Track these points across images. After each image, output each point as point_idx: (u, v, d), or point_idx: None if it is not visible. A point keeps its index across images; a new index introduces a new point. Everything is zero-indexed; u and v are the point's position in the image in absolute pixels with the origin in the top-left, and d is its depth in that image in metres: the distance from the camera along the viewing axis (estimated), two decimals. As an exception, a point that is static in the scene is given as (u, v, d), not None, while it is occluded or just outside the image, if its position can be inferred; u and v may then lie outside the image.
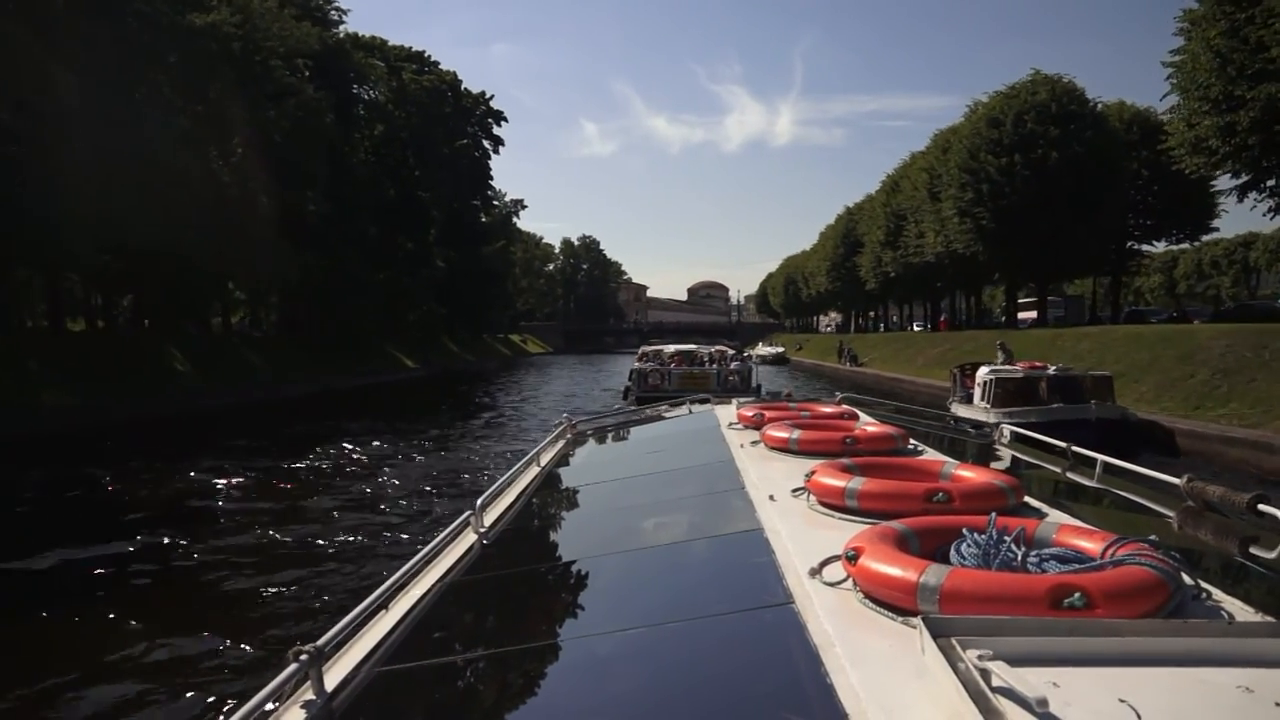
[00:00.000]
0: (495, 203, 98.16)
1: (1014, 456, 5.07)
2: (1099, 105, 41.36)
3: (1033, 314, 50.04)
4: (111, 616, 8.29)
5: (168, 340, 34.81)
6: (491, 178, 74.67)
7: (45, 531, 11.67)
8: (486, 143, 73.05)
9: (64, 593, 9.19)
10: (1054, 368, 21.28)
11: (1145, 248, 48.09)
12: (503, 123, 72.80)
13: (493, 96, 72.28)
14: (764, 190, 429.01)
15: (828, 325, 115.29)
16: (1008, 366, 21.96)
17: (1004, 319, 57.20)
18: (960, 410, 20.48)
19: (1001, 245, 40.25)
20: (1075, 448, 4.46)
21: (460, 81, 68.05)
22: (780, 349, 75.24)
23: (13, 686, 6.65)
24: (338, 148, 46.86)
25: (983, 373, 21.60)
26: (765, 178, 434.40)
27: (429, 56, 65.40)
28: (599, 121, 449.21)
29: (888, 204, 56.18)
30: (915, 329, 72.03)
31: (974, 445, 5.96)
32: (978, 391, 21.58)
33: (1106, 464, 4.10)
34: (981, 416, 17.24)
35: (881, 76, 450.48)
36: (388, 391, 42.45)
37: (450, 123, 64.79)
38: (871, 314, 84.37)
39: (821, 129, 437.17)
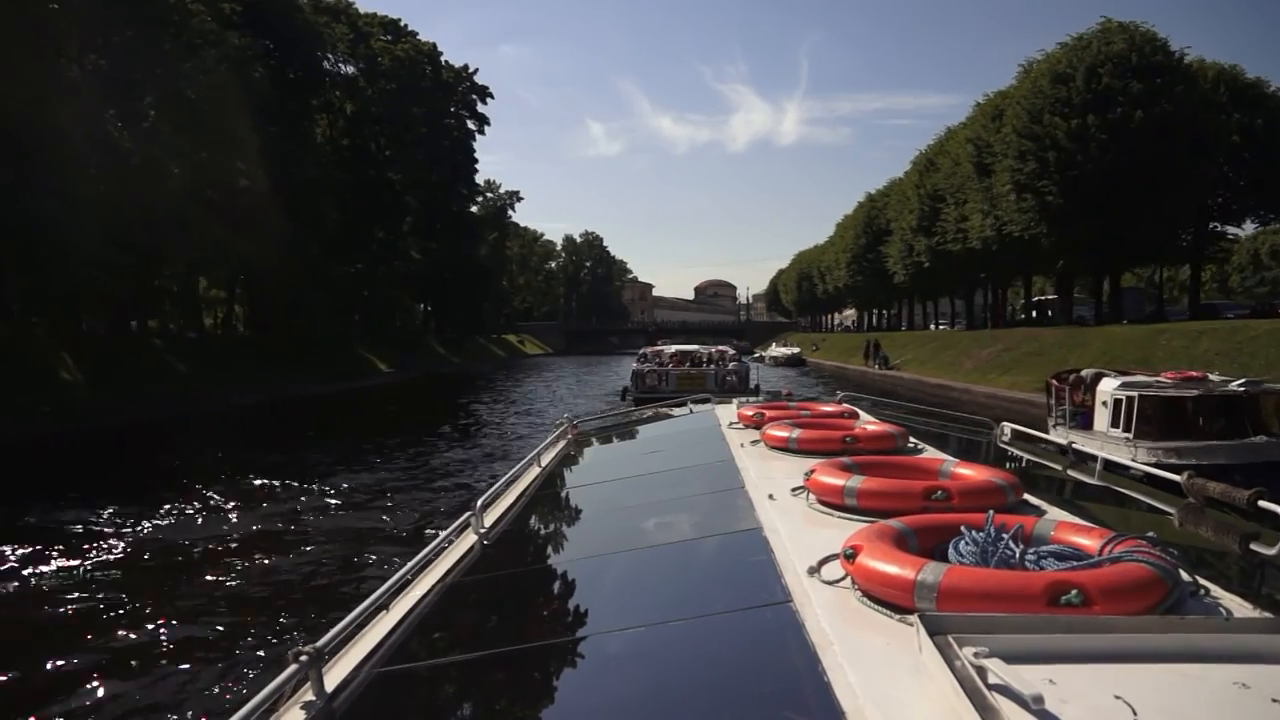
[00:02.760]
0: (488, 194, 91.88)
1: (1014, 454, 5.08)
2: (1185, 57, 34.56)
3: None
4: (108, 618, 8.22)
5: (58, 343, 28.47)
6: (476, 161, 67.80)
7: (37, 535, 11.37)
8: (471, 122, 66.14)
9: (61, 595, 8.98)
10: (1214, 375, 14.78)
11: (1230, 229, 41.21)
12: (488, 99, 65.82)
13: (476, 70, 65.57)
14: (771, 189, 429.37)
15: (842, 323, 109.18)
16: (1144, 378, 15.40)
17: (1033, 314, 50.55)
18: (1078, 439, 14.11)
19: (1071, 224, 33.46)
20: (1076, 445, 4.55)
21: (440, 53, 61.11)
22: (795, 349, 68.55)
23: (10, 692, 6.64)
24: (287, 117, 40.44)
25: (1110, 387, 14.99)
26: (772, 177, 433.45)
27: (405, 25, 58.48)
28: (605, 121, 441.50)
29: (921, 185, 49.43)
30: (941, 328, 65.45)
31: (974, 444, 5.83)
32: (1103, 413, 15.01)
33: (1107, 461, 4.24)
34: (1122, 453, 11.88)
35: (887, 75, 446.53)
36: (339, 403, 36.10)
37: (428, 98, 57.99)
38: (894, 310, 77.61)
39: (828, 128, 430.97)
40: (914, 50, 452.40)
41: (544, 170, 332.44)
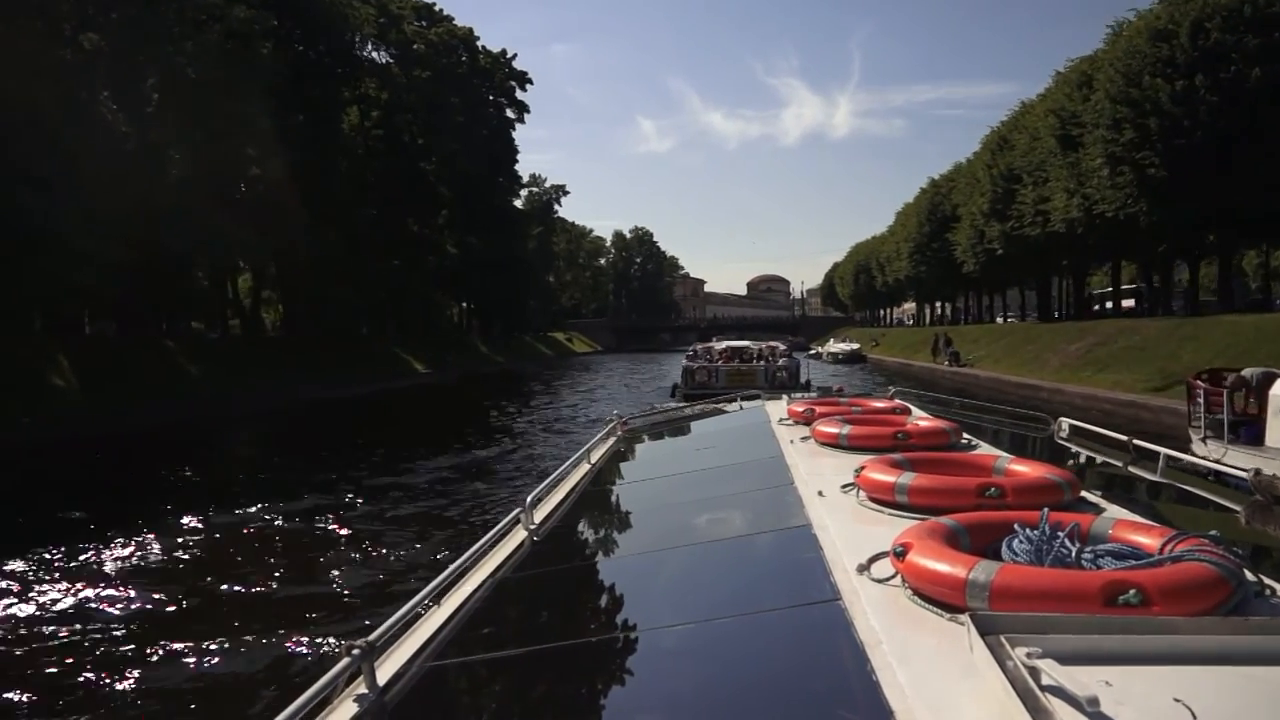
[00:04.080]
0: (534, 188, 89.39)
1: (1072, 450, 4.95)
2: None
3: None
4: (167, 610, 8.44)
5: (53, 345, 26.25)
6: (517, 152, 64.97)
7: (103, 524, 11.60)
8: (510, 110, 63.20)
9: (122, 583, 9.21)
10: None
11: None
12: (527, 86, 62.74)
13: (515, 56, 62.39)
14: (824, 182, 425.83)
15: (901, 318, 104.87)
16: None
17: (1108, 305, 46.15)
18: (1240, 457, 11.04)
19: (1177, 200, 29.41)
20: (1137, 440, 4.35)
21: (477, 38, 58.26)
22: (855, 345, 64.69)
23: (62, 678, 6.78)
24: (311, 103, 38.06)
25: (1285, 392, 11.58)
26: (825, 170, 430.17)
27: (439, 9, 55.71)
28: (656, 118, 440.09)
29: (993, 165, 45.37)
30: (1009, 321, 61.14)
31: (1031, 439, 5.67)
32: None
33: (1170, 457, 4.05)
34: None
35: (941, 65, 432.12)
36: (368, 406, 33.61)
37: (465, 85, 55.23)
38: (957, 303, 73.23)
39: (880, 120, 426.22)
40: (968, 39, 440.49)
41: (595, 169, 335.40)
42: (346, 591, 9.00)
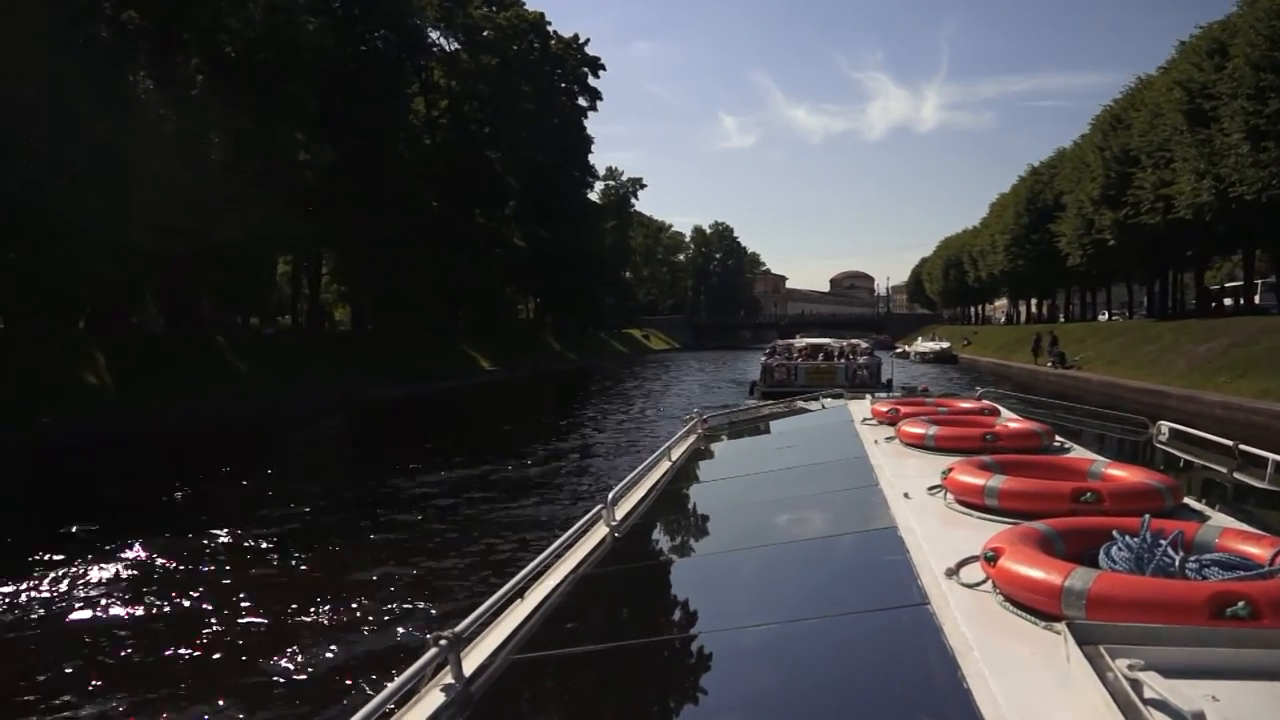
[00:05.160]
0: (610, 181, 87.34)
1: (1173, 455, 4.69)
2: None
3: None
4: (261, 594, 8.63)
5: (90, 342, 24.97)
6: (591, 141, 62.68)
7: (188, 516, 11.94)
8: (582, 99, 60.97)
9: (213, 570, 9.53)
10: None
11: None
12: (600, 72, 60.37)
13: (587, 41, 60.07)
14: (910, 177, 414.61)
15: (992, 315, 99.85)
16: None
17: (1241, 301, 41.46)
18: None
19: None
20: (1244, 445, 4.05)
21: (548, 23, 56.13)
22: (945, 344, 60.72)
23: (159, 665, 6.98)
24: (372, 89, 36.44)
25: None
26: (911, 165, 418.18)
27: (511, -3, 53.76)
28: (738, 114, 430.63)
29: (1105, 147, 41.27)
30: (1112, 319, 56.52)
31: (1128, 443, 5.36)
32: None
33: None
34: None
35: (1034, 55, 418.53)
36: (427, 404, 31.97)
37: (534, 73, 53.19)
38: (1053, 299, 68.42)
39: (970, 112, 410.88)
40: (1063, 27, 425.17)
41: (675, 166, 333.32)
42: (426, 587, 8.98)
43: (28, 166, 19.70)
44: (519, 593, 2.61)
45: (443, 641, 2.00)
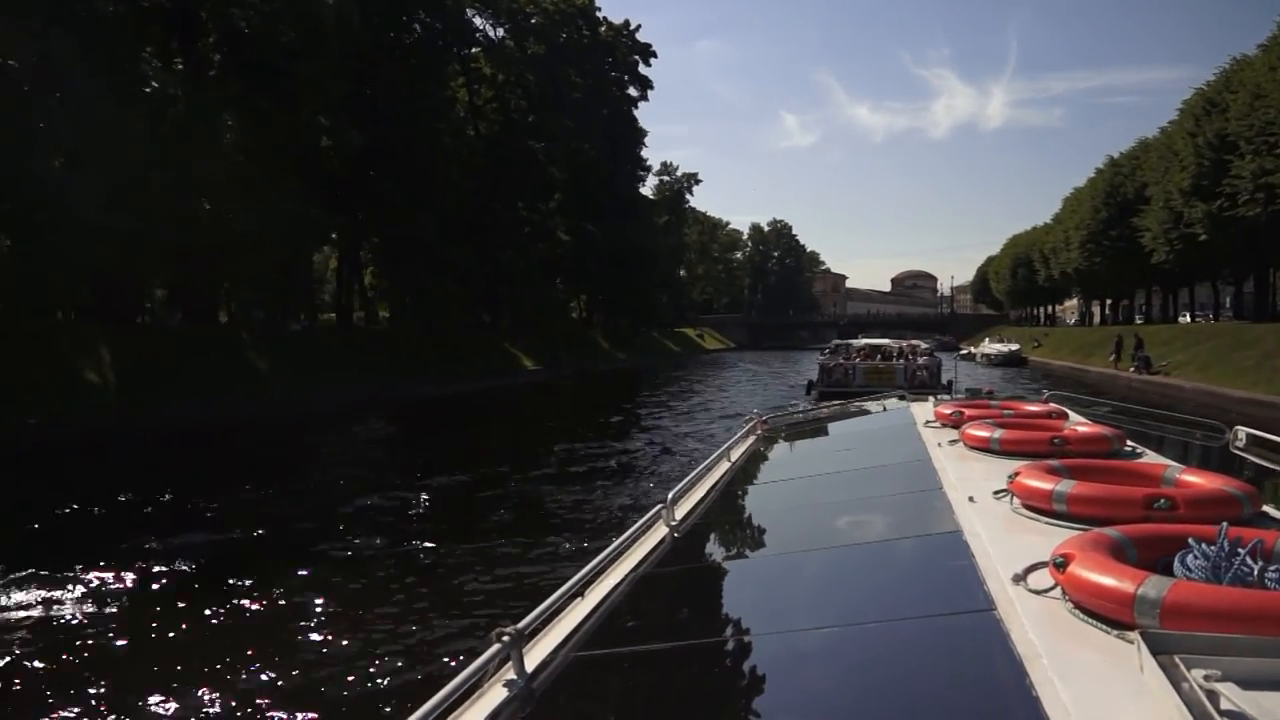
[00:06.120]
0: (665, 176, 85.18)
1: (1251, 461, 4.45)
2: None
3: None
4: (324, 591, 8.66)
5: (95, 336, 23.60)
6: (643, 134, 60.43)
7: (261, 509, 12.20)
8: (632, 88, 58.77)
9: (271, 566, 9.49)
10: None
11: None
12: (651, 60, 58.14)
13: (639, 27, 57.84)
14: (975, 176, 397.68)
15: (1062, 316, 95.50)
16: None
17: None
18: None
19: None
20: None
21: (598, 8, 54.11)
22: (1014, 346, 57.40)
23: (217, 659, 6.91)
24: (408, 73, 34.83)
25: None
26: (976, 163, 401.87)
27: (555, -24, 51.76)
28: (799, 113, 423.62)
29: (1197, 133, 37.88)
30: (1196, 320, 52.71)
31: (1203, 449, 5.26)
32: None
33: None
34: None
35: (1105, 50, 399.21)
36: (457, 405, 30.34)
37: (582, 60, 51.21)
38: (1128, 300, 64.39)
39: (1038, 109, 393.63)
40: (1136, 20, 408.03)
41: (735, 165, 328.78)
42: (486, 585, 8.98)
43: (16, 147, 18.29)
44: (579, 591, 2.60)
45: (505, 638, 1.99)
